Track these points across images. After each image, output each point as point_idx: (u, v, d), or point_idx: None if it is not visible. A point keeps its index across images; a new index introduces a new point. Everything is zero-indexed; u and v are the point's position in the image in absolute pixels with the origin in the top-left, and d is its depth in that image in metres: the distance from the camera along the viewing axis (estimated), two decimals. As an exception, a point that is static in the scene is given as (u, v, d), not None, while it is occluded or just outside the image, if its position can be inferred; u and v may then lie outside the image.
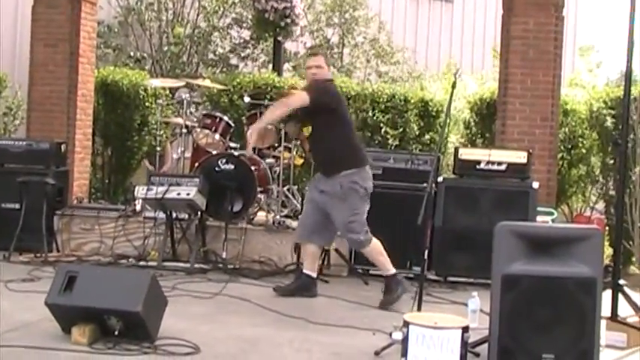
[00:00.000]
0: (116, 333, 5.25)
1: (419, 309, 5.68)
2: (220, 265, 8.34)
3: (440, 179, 8.30)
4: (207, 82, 10.35)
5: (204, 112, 10.14)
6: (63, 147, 9.64)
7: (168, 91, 12.31)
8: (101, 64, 13.97)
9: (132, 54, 16.80)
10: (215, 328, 5.98)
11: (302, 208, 7.98)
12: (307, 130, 7.18)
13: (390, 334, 5.40)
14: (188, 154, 9.91)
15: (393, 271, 7.07)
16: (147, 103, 12.42)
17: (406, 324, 4.91)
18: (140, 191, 8.50)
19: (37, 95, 10.76)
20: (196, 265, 8.22)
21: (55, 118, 10.64)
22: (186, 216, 8.72)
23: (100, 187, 12.47)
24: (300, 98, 7.05)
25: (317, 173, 7.37)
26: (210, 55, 17.30)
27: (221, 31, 17.31)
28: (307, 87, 7.28)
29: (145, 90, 12.34)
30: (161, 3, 17.03)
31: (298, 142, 9.42)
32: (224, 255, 8.45)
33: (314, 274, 7.37)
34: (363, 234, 6.96)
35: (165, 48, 16.81)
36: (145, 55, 16.92)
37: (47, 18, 10.74)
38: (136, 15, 17.07)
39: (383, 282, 7.14)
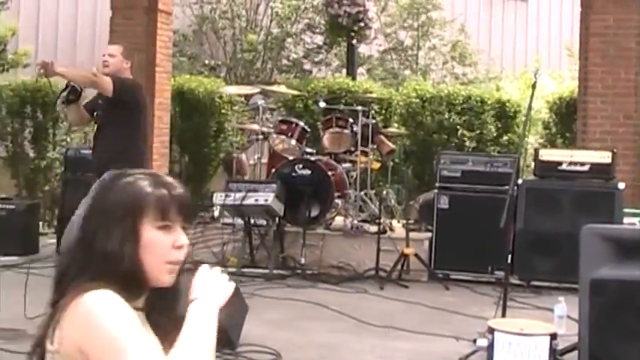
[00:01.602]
0: (198, 340, 5.23)
1: (503, 315, 5.55)
2: (299, 271, 8.32)
3: (519, 181, 8.12)
4: (281, 88, 10.35)
5: (279, 117, 10.13)
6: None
7: (243, 98, 12.34)
8: (176, 72, 14.07)
9: (206, 62, 16.91)
10: (295, 335, 5.94)
11: (380, 213, 7.89)
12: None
13: (474, 341, 5.31)
14: (264, 160, 9.91)
15: None
16: (222, 110, 12.47)
17: (491, 330, 4.80)
18: (218, 198, 8.52)
19: (115, 104, 10.85)
20: (275, 271, 8.20)
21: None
22: (264, 222, 8.70)
23: (178, 194, 12.54)
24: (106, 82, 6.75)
25: None
26: (284, 61, 17.33)
27: (294, 36, 17.32)
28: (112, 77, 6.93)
29: (221, 97, 12.39)
30: (234, 11, 17.11)
31: (375, 146, 9.36)
32: (302, 261, 8.42)
33: None
34: None
35: (239, 55, 16.88)
36: (220, 62, 17.02)
37: (124, 29, 10.82)
38: (210, 23, 17.19)
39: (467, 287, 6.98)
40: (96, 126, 7.00)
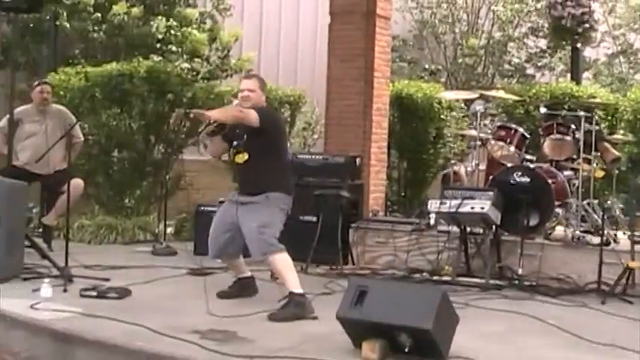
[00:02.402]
0: (406, 350, 5.15)
1: None
2: (516, 282, 8.07)
3: None
4: (501, 93, 10.14)
5: (498, 123, 9.91)
6: (358, 160, 9.77)
7: (462, 103, 12.19)
8: (396, 77, 14.09)
9: (426, 67, 16.86)
10: (508, 349, 5.73)
11: (603, 223, 7.55)
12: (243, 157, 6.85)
13: None
14: (482, 167, 9.72)
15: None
16: (442, 116, 12.37)
17: None
18: (433, 205, 8.41)
19: (333, 110, 10.97)
20: (491, 281, 8.00)
21: (351, 132, 10.78)
22: (481, 230, 8.52)
23: (396, 201, 12.56)
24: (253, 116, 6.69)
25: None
26: (506, 66, 17.04)
27: (517, 40, 16.99)
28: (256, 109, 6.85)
29: (440, 102, 12.30)
30: (455, 15, 16.98)
31: (598, 154, 8.99)
32: (520, 271, 8.17)
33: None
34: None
35: (460, 60, 16.73)
36: (440, 67, 16.93)
37: (343, 34, 10.91)
38: (430, 28, 17.13)
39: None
40: (234, 154, 6.95)
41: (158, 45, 13.36)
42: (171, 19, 13.51)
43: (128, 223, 10.61)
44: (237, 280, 7.27)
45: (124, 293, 6.90)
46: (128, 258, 8.98)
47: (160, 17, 13.39)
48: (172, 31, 13.42)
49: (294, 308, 6.40)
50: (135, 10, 13.11)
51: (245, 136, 6.77)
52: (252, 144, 6.76)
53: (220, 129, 6.86)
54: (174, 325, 5.82)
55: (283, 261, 6.64)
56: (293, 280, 6.59)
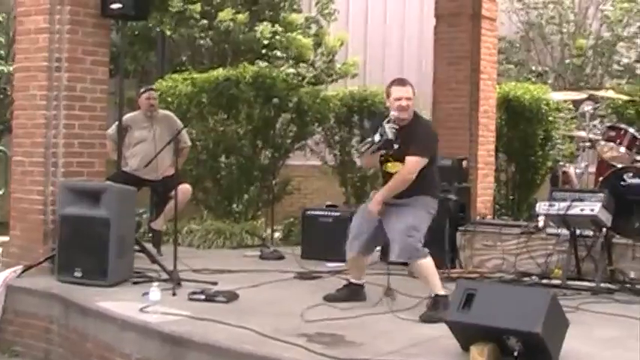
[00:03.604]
0: (515, 354, 5.06)
1: None
2: (628, 285, 7.87)
3: None
4: (610, 93, 9.96)
5: (608, 124, 9.70)
6: (464, 163, 9.68)
7: (571, 105, 11.99)
8: (503, 79, 13.95)
9: (534, 68, 16.64)
10: (620, 354, 5.59)
11: None
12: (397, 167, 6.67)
13: None
14: (592, 169, 9.54)
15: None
16: (550, 118, 12.20)
17: None
18: (542, 207, 8.26)
19: (440, 113, 10.93)
20: (602, 285, 7.79)
21: (458, 135, 10.73)
22: (591, 233, 8.33)
23: (505, 204, 12.43)
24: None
25: None
26: (615, 66, 16.67)
27: (626, 40, 16.61)
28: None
29: (547, 104, 12.13)
30: (562, 15, 16.70)
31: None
32: (632, 274, 7.96)
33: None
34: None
35: (568, 60, 16.45)
36: (547, 68, 16.68)
37: (449, 37, 10.89)
38: (537, 29, 16.90)
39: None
40: (385, 162, 6.80)
41: (264, 50, 13.52)
42: (276, 25, 13.64)
43: (236, 227, 10.71)
44: (347, 285, 7.23)
45: (231, 297, 6.95)
46: (236, 262, 9.05)
47: (265, 23, 13.53)
48: (278, 37, 13.55)
49: (443, 310, 6.25)
50: (240, 17, 13.27)
51: (398, 146, 6.58)
52: (406, 154, 6.63)
53: (387, 147, 6.63)
54: (281, 329, 5.84)
55: (428, 266, 6.62)
56: (438, 283, 6.61)
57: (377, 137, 6.56)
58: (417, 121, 6.78)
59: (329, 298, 7.05)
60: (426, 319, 6.32)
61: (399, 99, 6.64)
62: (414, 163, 6.61)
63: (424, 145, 6.70)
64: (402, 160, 6.63)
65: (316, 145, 12.41)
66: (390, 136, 6.50)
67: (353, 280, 7.20)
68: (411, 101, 6.67)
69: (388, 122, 6.57)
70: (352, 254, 7.03)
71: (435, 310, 6.42)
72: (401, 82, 6.92)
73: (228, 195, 11.48)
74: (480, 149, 10.76)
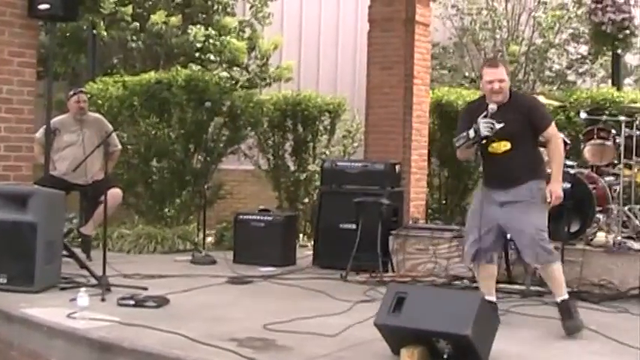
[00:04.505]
0: (445, 356, 5.07)
1: None
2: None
3: None
4: (541, 99, 10.01)
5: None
6: (397, 167, 9.72)
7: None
8: (437, 85, 14.03)
9: (467, 74, 16.77)
10: (550, 356, 5.65)
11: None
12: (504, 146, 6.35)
13: None
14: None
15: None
16: (481, 123, 12.28)
17: None
18: (471, 211, 8.32)
19: (374, 117, 10.95)
20: (532, 288, 7.87)
21: (391, 139, 10.76)
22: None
23: (437, 208, 12.49)
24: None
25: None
26: (547, 72, 16.89)
27: (557, 47, 16.84)
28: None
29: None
30: (495, 22, 16.88)
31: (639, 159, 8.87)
32: (562, 277, 8.05)
33: None
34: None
35: (501, 67, 16.59)
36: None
37: (382, 41, 10.92)
38: (470, 35, 17.05)
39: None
40: (486, 145, 6.35)
41: (197, 54, 13.42)
42: (209, 28, 13.57)
43: (168, 232, 10.62)
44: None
45: (161, 302, 6.87)
46: (167, 267, 8.96)
47: (198, 26, 13.44)
48: (211, 40, 13.47)
49: (576, 312, 6.30)
50: (173, 19, 13.18)
51: (502, 124, 6.23)
52: (515, 131, 6.31)
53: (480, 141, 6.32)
54: (211, 334, 5.78)
55: (561, 270, 6.43)
56: (565, 288, 6.43)
57: (471, 133, 6.29)
58: (515, 96, 6.51)
59: None
60: (574, 330, 6.16)
61: (490, 82, 6.33)
62: (553, 128, 6.41)
63: (543, 111, 6.53)
64: (507, 139, 6.29)
65: (249, 150, 12.35)
66: (485, 133, 6.22)
67: (489, 298, 6.50)
68: (503, 83, 6.33)
69: (485, 117, 6.28)
70: (475, 262, 6.65)
71: (574, 318, 6.26)
72: (492, 63, 6.70)
73: (159, 199, 11.37)
74: (413, 154, 10.80)
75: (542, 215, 6.39)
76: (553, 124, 6.48)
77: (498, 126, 6.21)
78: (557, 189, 6.34)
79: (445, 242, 9.00)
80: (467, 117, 6.54)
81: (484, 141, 6.29)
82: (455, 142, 6.55)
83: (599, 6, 13.06)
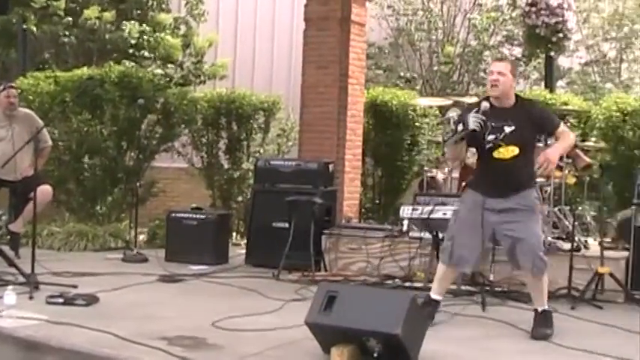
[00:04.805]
0: (375, 355, 5.08)
1: None
2: (488, 288, 8.02)
3: None
4: (474, 100, 10.10)
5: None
6: (331, 167, 9.73)
7: (437, 110, 12.18)
8: (373, 85, 14.07)
9: (402, 74, 16.86)
10: (480, 355, 5.69)
11: (574, 229, 7.53)
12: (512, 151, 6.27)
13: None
14: (456, 175, 9.70)
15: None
16: (416, 123, 12.36)
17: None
18: (405, 211, 8.36)
19: (308, 117, 10.92)
20: (463, 287, 7.95)
21: (325, 139, 10.74)
22: (453, 236, 8.46)
23: (371, 208, 12.53)
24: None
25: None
26: (481, 74, 17.06)
27: (492, 49, 17.02)
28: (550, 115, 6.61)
29: (415, 110, 12.29)
30: (431, 23, 17.00)
31: (570, 161, 8.98)
32: (491, 277, 8.11)
33: None
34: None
35: (436, 67, 16.74)
36: (416, 75, 16.93)
37: (318, 40, 10.88)
38: (406, 36, 17.14)
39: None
40: (490, 150, 6.29)
41: (131, 50, 13.29)
42: (144, 24, 13.45)
43: (99, 230, 10.52)
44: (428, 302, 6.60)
45: (91, 300, 6.78)
46: (98, 265, 8.87)
47: (132, 22, 13.31)
48: (145, 37, 13.35)
49: (551, 325, 6.33)
50: (107, 15, 13.05)
51: (513, 128, 6.18)
52: (523, 136, 6.25)
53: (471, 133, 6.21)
54: (142, 332, 5.72)
55: (547, 282, 6.49)
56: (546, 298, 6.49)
57: (460, 127, 6.23)
58: (522, 101, 6.45)
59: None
60: (541, 336, 6.17)
61: (490, 73, 6.32)
62: (563, 125, 6.47)
63: (550, 113, 6.59)
64: (516, 144, 6.21)
65: (183, 147, 12.26)
66: (472, 126, 6.13)
67: (436, 297, 6.64)
68: (502, 76, 6.22)
69: (477, 112, 6.21)
70: (470, 268, 6.76)
71: (550, 326, 6.32)
72: (499, 58, 6.71)
73: (91, 197, 11.25)
74: (347, 153, 10.80)
75: (539, 225, 6.51)
76: (562, 122, 6.57)
77: (509, 129, 6.19)
78: (554, 155, 6.24)
79: (378, 242, 9.03)
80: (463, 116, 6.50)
81: (490, 145, 6.23)
82: (443, 138, 6.54)
83: (534, 9, 13.21)
